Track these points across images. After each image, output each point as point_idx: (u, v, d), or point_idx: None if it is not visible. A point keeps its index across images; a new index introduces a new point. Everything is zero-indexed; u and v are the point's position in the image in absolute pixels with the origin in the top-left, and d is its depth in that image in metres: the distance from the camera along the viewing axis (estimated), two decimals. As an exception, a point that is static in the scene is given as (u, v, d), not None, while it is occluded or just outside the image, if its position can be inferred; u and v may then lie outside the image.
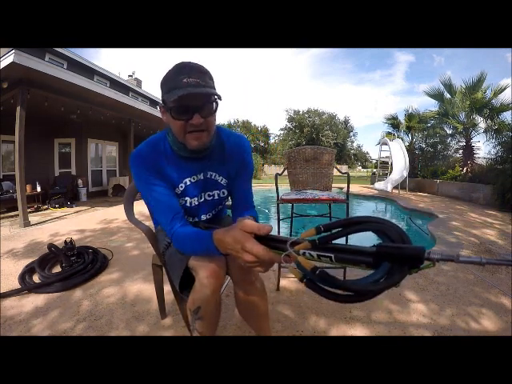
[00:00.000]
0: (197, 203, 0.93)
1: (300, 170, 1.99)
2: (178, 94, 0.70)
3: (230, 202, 1.03)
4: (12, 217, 4.52)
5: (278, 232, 1.84)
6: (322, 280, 0.43)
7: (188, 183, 0.89)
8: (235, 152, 0.94)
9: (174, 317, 1.43)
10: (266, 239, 0.58)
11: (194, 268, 0.82)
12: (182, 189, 0.89)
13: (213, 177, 0.93)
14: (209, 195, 0.95)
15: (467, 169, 7.84)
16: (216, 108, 0.79)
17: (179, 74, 0.73)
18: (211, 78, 0.77)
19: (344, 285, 0.41)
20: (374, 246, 0.42)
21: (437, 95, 8.75)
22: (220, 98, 0.77)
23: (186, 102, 0.73)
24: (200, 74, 0.74)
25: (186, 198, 0.91)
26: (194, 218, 0.98)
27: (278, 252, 0.55)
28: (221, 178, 0.94)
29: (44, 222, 4.14)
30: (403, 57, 76.39)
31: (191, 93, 0.71)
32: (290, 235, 2.17)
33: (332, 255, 0.45)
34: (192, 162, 0.88)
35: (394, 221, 5.46)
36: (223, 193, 0.97)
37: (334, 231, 0.46)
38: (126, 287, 1.81)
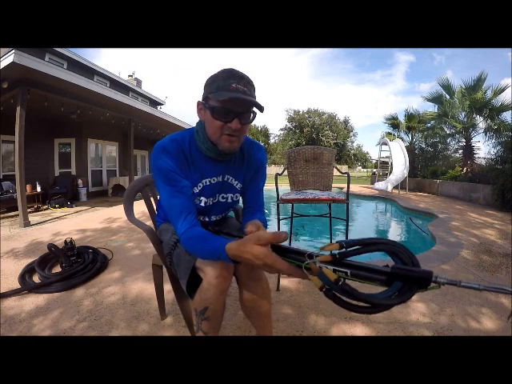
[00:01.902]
0: (211, 203, 0.95)
1: (300, 169, 1.99)
2: (227, 96, 0.73)
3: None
4: (12, 217, 4.52)
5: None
6: (343, 291, 0.46)
7: (207, 183, 0.91)
8: (254, 160, 0.97)
9: (174, 317, 1.43)
10: (282, 250, 0.60)
11: (202, 268, 0.81)
12: (199, 188, 0.90)
13: (229, 180, 0.95)
14: (223, 197, 0.97)
15: (467, 169, 7.84)
16: (253, 118, 0.82)
17: (229, 78, 0.75)
18: (255, 91, 0.80)
19: (364, 297, 0.45)
20: (387, 266, 0.46)
21: (436, 98, 8.73)
22: (262, 110, 0.79)
23: (230, 105, 0.75)
24: (248, 84, 0.77)
25: (202, 198, 0.92)
26: (204, 218, 0.99)
27: (293, 262, 0.58)
28: (236, 182, 0.97)
29: (44, 221, 4.14)
30: (403, 57, 76.54)
31: (240, 98, 0.73)
32: (290, 235, 2.17)
33: (348, 271, 0.49)
34: (214, 164, 0.90)
35: (394, 221, 5.45)
36: (236, 197, 1.00)
37: (352, 248, 0.49)
38: (126, 287, 1.81)
